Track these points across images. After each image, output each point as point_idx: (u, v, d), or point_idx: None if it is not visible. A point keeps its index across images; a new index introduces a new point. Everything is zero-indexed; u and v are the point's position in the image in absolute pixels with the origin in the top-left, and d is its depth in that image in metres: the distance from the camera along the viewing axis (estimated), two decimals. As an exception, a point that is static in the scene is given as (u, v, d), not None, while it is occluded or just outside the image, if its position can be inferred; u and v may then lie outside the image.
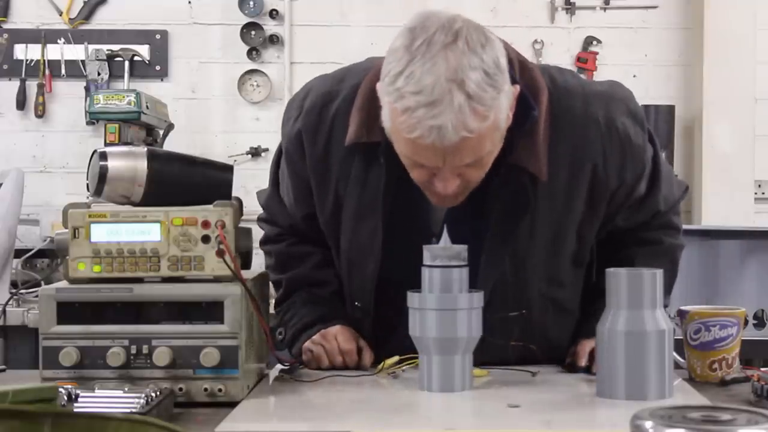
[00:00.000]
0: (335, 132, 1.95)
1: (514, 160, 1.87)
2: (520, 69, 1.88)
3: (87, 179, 1.82)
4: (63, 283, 1.76)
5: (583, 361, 1.95)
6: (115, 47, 4.78)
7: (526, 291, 1.99)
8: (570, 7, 4.81)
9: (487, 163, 1.81)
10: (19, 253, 4.05)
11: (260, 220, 2.22)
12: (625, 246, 2.08)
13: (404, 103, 1.70)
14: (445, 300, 1.77)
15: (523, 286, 1.99)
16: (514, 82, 1.80)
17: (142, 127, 4.39)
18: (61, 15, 4.79)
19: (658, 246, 2.10)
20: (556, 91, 1.93)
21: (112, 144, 4.12)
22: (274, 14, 4.80)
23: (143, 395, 1.53)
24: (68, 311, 1.71)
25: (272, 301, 2.17)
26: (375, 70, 1.84)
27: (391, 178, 1.90)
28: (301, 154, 1.99)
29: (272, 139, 4.82)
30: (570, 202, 1.94)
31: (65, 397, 1.50)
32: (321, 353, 2.00)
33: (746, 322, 1.97)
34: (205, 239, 1.72)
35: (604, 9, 4.83)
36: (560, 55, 4.81)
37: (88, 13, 4.80)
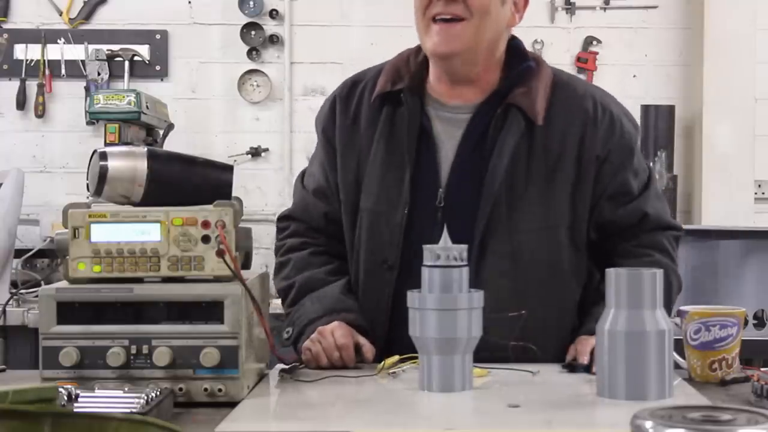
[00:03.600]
0: (363, 102, 2.20)
1: (511, 100, 2.11)
2: (526, 51, 2.19)
3: (87, 179, 1.82)
4: (63, 283, 1.76)
5: (585, 359, 1.95)
6: (115, 47, 4.78)
7: (525, 289, 2.04)
8: (570, 7, 4.81)
9: None
10: (19, 253, 4.05)
11: (282, 222, 2.32)
12: (621, 258, 2.12)
13: None
14: (445, 300, 1.77)
15: (523, 278, 2.06)
16: (523, 57, 2.17)
17: (142, 127, 4.39)
18: (61, 15, 4.79)
19: (655, 263, 2.11)
20: (562, 73, 2.22)
21: (112, 144, 4.12)
22: (274, 14, 4.80)
23: (143, 395, 1.53)
24: (68, 311, 1.71)
25: (273, 302, 2.18)
26: (396, 57, 2.21)
27: (414, 119, 2.13)
28: (333, 119, 2.23)
29: (272, 139, 4.83)
30: (562, 155, 2.11)
31: (65, 397, 1.49)
32: (319, 351, 2.02)
33: (746, 322, 1.97)
34: (205, 239, 1.73)
35: (604, 9, 4.83)
36: (560, 55, 4.81)
37: (88, 13, 4.80)
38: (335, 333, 2.03)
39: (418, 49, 2.18)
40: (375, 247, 2.15)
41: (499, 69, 2.16)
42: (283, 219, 2.33)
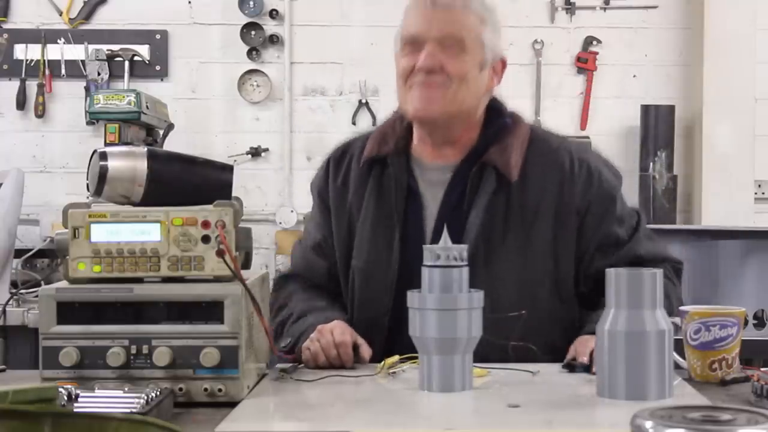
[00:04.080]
0: (352, 167, 2.29)
1: (485, 159, 2.16)
2: (505, 109, 2.25)
3: (87, 179, 1.82)
4: (63, 283, 1.76)
5: (585, 358, 1.95)
6: (115, 47, 4.78)
7: (505, 339, 2.01)
8: (570, 7, 4.81)
9: (463, 61, 2.11)
10: (19, 253, 4.05)
11: (281, 281, 2.36)
12: None
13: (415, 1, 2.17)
14: (445, 300, 1.77)
15: (503, 329, 1.99)
16: (500, 115, 2.23)
17: (142, 127, 4.39)
18: (61, 15, 4.79)
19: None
20: (538, 129, 2.30)
21: (112, 144, 4.12)
22: (274, 14, 4.80)
23: (143, 395, 1.53)
24: (68, 311, 1.71)
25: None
26: (383, 123, 2.31)
27: (400, 181, 2.20)
28: (326, 181, 2.31)
29: (272, 139, 4.83)
30: (539, 210, 2.14)
31: (65, 397, 1.50)
32: (317, 349, 2.02)
33: (746, 322, 1.97)
34: (205, 239, 1.73)
35: (604, 9, 4.83)
36: (560, 55, 4.81)
37: (88, 13, 4.80)
38: (334, 331, 2.05)
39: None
40: (367, 304, 2.20)
41: (478, 128, 2.22)
42: (283, 278, 2.37)
